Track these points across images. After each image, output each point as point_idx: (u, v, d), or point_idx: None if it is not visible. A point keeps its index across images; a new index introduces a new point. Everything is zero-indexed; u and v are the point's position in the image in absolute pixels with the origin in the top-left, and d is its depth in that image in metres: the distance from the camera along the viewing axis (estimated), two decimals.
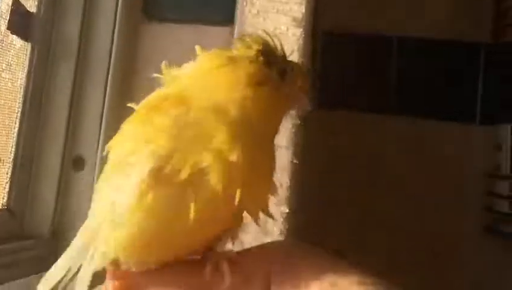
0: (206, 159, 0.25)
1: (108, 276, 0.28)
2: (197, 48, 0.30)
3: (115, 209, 0.26)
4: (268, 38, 0.30)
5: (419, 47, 1.39)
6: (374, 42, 1.41)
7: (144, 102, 0.30)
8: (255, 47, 0.29)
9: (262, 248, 0.29)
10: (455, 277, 1.32)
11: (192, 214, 0.25)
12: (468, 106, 1.37)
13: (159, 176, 0.25)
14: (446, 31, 1.39)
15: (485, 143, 1.35)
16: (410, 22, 1.41)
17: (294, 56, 0.74)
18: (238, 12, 0.77)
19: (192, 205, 0.25)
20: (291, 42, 0.74)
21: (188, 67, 0.30)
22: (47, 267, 0.68)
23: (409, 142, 1.37)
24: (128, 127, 0.29)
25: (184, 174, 0.25)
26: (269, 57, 0.29)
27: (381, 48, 1.41)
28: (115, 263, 0.28)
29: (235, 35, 0.76)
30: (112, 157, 0.29)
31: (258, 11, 0.76)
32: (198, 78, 0.29)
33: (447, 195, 1.34)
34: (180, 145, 0.26)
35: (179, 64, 0.30)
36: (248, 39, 0.30)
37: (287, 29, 0.75)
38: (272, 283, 0.26)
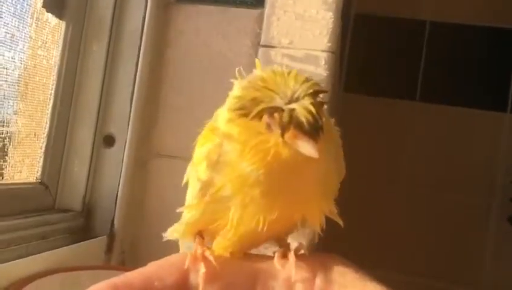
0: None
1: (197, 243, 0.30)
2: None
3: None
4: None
5: (452, 32, 1.37)
6: (406, 26, 1.38)
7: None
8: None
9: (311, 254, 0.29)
10: (476, 264, 1.31)
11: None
12: (499, 94, 1.34)
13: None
14: (480, 16, 1.35)
15: None
16: (443, 7, 1.38)
17: (323, 39, 0.74)
18: None
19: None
20: (321, 25, 0.74)
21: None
22: (77, 240, 0.71)
23: (437, 129, 1.35)
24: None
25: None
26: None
27: (413, 32, 1.38)
28: (200, 233, 0.31)
29: (265, 18, 0.76)
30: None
31: None
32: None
33: (474, 184, 1.32)
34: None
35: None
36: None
37: (317, 12, 0.74)
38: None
